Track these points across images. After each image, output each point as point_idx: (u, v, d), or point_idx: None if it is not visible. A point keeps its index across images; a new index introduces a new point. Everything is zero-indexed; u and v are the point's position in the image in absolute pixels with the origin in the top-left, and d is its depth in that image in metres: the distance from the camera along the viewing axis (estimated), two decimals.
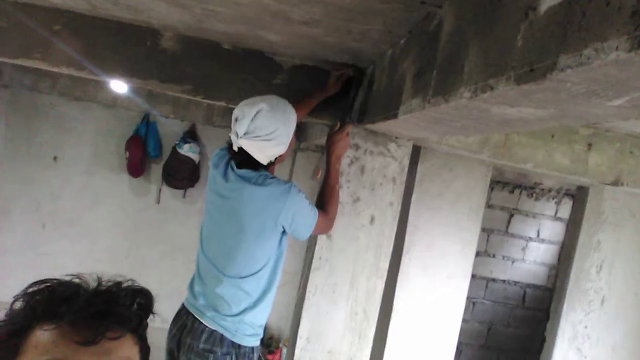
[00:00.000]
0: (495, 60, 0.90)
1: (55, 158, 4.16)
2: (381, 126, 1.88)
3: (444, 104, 1.12)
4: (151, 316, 0.74)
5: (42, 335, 0.63)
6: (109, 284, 0.70)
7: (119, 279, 0.71)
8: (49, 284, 0.67)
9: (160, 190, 4.28)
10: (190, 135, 4.13)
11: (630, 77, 0.66)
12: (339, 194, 2.01)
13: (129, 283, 0.71)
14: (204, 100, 2.27)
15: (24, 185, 4.13)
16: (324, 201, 1.94)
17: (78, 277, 0.69)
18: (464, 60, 1.04)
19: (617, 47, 0.59)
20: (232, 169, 1.84)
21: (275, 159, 1.82)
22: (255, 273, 1.83)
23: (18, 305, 0.66)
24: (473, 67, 0.99)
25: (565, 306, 3.12)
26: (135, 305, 0.71)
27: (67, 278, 0.69)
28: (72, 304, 0.64)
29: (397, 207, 2.24)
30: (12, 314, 0.66)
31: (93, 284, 0.69)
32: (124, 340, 0.66)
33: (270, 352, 4.13)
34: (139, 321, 0.70)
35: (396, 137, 2.18)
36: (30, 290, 0.66)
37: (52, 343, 0.62)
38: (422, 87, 1.30)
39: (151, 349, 0.74)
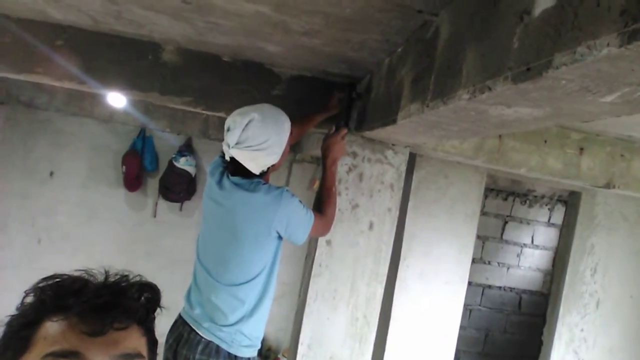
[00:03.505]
0: (493, 63, 0.95)
1: (51, 173, 4.18)
2: (379, 133, 1.93)
3: (442, 107, 1.17)
4: (159, 310, 0.75)
5: (51, 327, 0.64)
6: (117, 277, 0.71)
7: (127, 273, 0.73)
8: (58, 279, 0.69)
9: (156, 203, 4.29)
10: (187, 149, 4.16)
11: (621, 72, 0.71)
12: (335, 196, 2.01)
13: (137, 278, 0.73)
14: (205, 112, 2.32)
15: (20, 200, 4.14)
16: (321, 203, 1.94)
17: (87, 272, 0.71)
18: (461, 64, 1.09)
19: (608, 43, 0.64)
20: (227, 177, 1.84)
21: (269, 168, 1.83)
22: (250, 280, 1.82)
23: (29, 299, 0.68)
24: (471, 70, 1.04)
25: (561, 310, 3.17)
26: (142, 298, 0.72)
27: (76, 273, 0.71)
28: (80, 296, 0.66)
29: (395, 213, 2.28)
30: (23, 308, 0.68)
31: (101, 278, 0.70)
32: (131, 332, 0.68)
33: None
34: (145, 313, 0.72)
35: (393, 144, 2.23)
36: (41, 284, 0.68)
37: (61, 334, 0.63)
38: (421, 92, 1.35)
39: None
